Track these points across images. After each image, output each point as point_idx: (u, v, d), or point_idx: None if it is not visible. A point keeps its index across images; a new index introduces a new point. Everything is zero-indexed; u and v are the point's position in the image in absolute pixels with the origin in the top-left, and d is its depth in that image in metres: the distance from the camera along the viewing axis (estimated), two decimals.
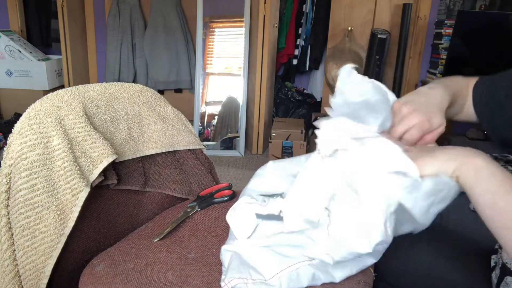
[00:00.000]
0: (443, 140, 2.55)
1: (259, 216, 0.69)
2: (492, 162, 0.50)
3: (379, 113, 0.63)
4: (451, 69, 2.53)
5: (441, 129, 0.62)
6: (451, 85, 0.70)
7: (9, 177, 0.68)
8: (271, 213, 0.67)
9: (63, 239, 0.72)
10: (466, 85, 0.75)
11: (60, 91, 0.79)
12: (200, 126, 2.92)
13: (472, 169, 0.50)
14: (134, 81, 3.27)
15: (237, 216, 0.72)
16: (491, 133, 0.72)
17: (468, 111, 0.74)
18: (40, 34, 3.38)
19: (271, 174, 0.77)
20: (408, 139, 0.60)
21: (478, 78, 0.74)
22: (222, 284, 0.66)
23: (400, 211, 0.55)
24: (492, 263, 0.71)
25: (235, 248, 0.69)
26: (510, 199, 0.46)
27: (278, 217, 0.65)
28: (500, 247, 0.71)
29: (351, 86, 0.64)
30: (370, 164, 0.55)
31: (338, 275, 0.66)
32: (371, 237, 0.54)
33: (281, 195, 0.71)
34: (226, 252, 0.70)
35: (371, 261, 0.65)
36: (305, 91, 3.32)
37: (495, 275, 0.68)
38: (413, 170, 0.52)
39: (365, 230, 0.55)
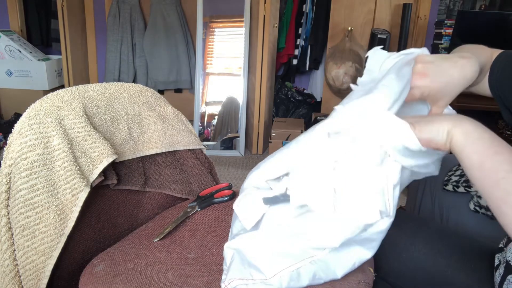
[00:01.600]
0: None
1: (266, 200, 0.67)
2: (481, 127, 0.52)
3: (401, 80, 0.60)
4: None
5: (443, 108, 0.63)
6: (480, 56, 0.67)
7: (9, 177, 0.68)
8: (277, 193, 0.66)
9: (63, 239, 0.72)
10: (490, 58, 0.72)
11: (60, 91, 0.79)
12: (200, 126, 2.92)
13: (462, 132, 0.52)
14: (134, 81, 3.27)
15: (244, 204, 0.70)
16: (504, 110, 0.70)
17: (485, 85, 0.73)
18: (40, 34, 3.38)
19: (272, 162, 0.76)
20: (406, 99, 0.60)
21: (501, 51, 0.71)
22: (222, 285, 0.66)
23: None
24: (496, 262, 0.71)
25: (238, 245, 0.69)
26: (496, 158, 0.49)
27: (285, 196, 0.64)
28: (506, 245, 0.71)
29: (378, 63, 0.64)
30: (372, 138, 0.56)
31: (340, 271, 0.66)
32: (374, 205, 0.55)
33: (286, 175, 0.69)
34: (229, 250, 0.70)
35: (368, 254, 0.65)
36: (305, 91, 3.32)
37: (498, 274, 0.68)
38: (416, 144, 0.53)
39: (368, 200, 0.55)
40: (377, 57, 0.65)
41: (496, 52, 0.72)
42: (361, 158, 0.56)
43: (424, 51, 0.63)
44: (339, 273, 0.66)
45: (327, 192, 0.58)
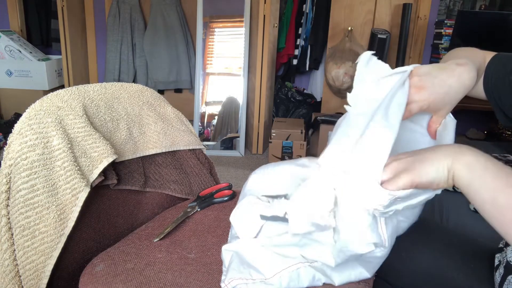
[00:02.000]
0: None
1: (263, 217, 0.67)
2: (482, 154, 0.49)
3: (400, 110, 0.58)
4: None
5: (443, 117, 0.61)
6: (475, 59, 0.66)
7: (9, 177, 0.68)
8: (276, 214, 0.65)
9: (63, 239, 0.72)
10: (484, 60, 0.71)
11: (60, 91, 0.79)
12: (200, 126, 2.92)
13: (464, 167, 0.48)
14: (134, 81, 3.27)
15: (241, 216, 0.70)
16: (499, 113, 0.69)
17: (479, 88, 0.71)
18: (40, 34, 3.38)
19: (273, 175, 0.76)
20: (404, 115, 0.57)
21: (494, 54, 0.70)
22: (222, 284, 0.66)
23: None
24: (496, 262, 0.71)
25: (236, 248, 0.69)
26: (509, 192, 0.45)
27: (283, 219, 0.64)
28: (506, 246, 0.71)
29: (370, 77, 0.59)
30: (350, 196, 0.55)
31: (337, 280, 0.67)
32: (365, 237, 0.54)
33: (285, 196, 0.69)
34: (227, 252, 0.70)
35: (366, 274, 0.66)
36: (305, 91, 3.32)
37: (498, 274, 0.68)
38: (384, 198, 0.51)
39: (359, 231, 0.55)
40: (369, 68, 0.61)
41: (489, 54, 0.72)
42: (352, 192, 0.55)
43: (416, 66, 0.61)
44: (336, 281, 0.67)
45: (327, 224, 0.57)
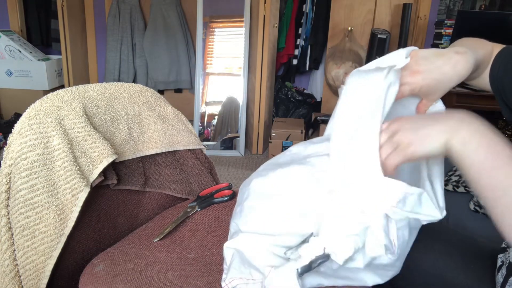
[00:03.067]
0: None
1: (303, 270, 0.59)
2: (479, 131, 0.49)
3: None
4: None
5: (432, 103, 0.62)
6: (478, 50, 0.66)
7: (9, 177, 0.68)
8: (313, 258, 0.58)
9: (63, 239, 0.72)
10: (491, 52, 0.70)
11: (60, 91, 0.79)
12: (200, 126, 2.92)
13: (458, 143, 0.49)
14: (134, 81, 3.27)
15: (279, 284, 0.61)
16: (504, 106, 0.68)
17: (485, 80, 0.71)
18: (40, 34, 3.38)
19: (259, 211, 0.69)
20: (397, 96, 0.57)
21: (503, 47, 0.70)
22: (223, 284, 0.66)
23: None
24: (499, 262, 0.71)
25: (237, 246, 0.69)
26: (494, 174, 0.46)
27: (323, 257, 0.58)
28: (509, 246, 0.71)
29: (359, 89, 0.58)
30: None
31: (341, 282, 0.66)
32: (377, 239, 0.54)
33: (309, 237, 0.62)
34: (228, 250, 0.70)
35: (378, 279, 0.65)
36: (305, 91, 3.32)
37: (501, 275, 0.68)
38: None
39: (372, 233, 0.55)
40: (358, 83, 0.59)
41: (497, 46, 0.71)
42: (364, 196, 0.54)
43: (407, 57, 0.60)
44: (341, 283, 0.66)
45: (357, 243, 0.55)
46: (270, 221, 0.69)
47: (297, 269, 0.58)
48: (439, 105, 0.63)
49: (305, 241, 0.61)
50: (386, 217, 0.54)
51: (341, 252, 0.55)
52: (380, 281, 0.65)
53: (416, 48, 0.61)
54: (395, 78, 0.56)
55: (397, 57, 0.58)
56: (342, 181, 0.56)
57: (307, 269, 0.58)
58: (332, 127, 0.59)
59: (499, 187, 0.45)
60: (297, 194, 0.66)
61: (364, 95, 0.56)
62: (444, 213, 0.54)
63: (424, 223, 0.55)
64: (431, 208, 0.53)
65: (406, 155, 0.51)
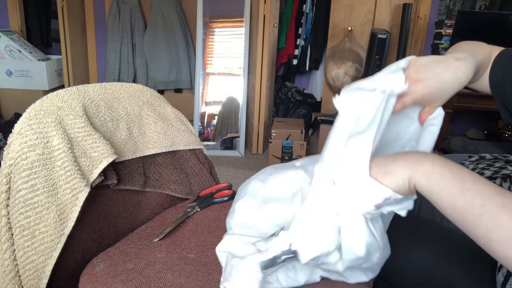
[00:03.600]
0: (443, 141, 2.55)
1: (265, 264, 0.57)
2: (441, 162, 0.49)
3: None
4: None
5: (435, 109, 0.61)
6: (477, 54, 0.65)
7: (9, 177, 0.68)
8: (278, 253, 0.57)
9: (63, 239, 0.72)
10: (489, 55, 0.70)
11: (60, 91, 0.79)
12: (200, 126, 2.92)
13: (422, 176, 0.49)
14: (134, 81, 3.27)
15: (238, 279, 0.60)
16: (503, 109, 0.68)
17: (484, 83, 0.71)
18: (40, 34, 3.38)
19: (251, 212, 0.71)
20: (396, 107, 0.57)
21: (502, 49, 0.70)
22: (222, 286, 0.66)
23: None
24: (499, 263, 0.71)
25: (228, 248, 0.69)
26: (466, 197, 0.46)
27: (288, 253, 0.57)
28: None
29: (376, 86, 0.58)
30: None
31: (334, 276, 0.66)
32: (362, 239, 0.54)
33: (280, 231, 0.61)
34: (221, 253, 0.71)
35: (364, 278, 0.66)
36: (305, 91, 3.32)
37: (502, 274, 0.68)
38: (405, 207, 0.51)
39: (357, 234, 0.55)
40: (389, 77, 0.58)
41: (495, 49, 0.71)
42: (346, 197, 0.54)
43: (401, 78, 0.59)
44: (334, 277, 0.67)
45: (334, 243, 0.55)
46: (258, 222, 0.69)
47: (260, 262, 0.57)
48: (439, 111, 0.63)
49: (274, 234, 0.60)
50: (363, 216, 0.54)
51: (306, 251, 0.54)
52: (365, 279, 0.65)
53: (414, 56, 0.60)
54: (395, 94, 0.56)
55: (395, 77, 0.57)
56: (326, 179, 0.56)
57: (270, 263, 0.57)
58: (329, 135, 0.59)
59: (475, 207, 0.45)
60: (287, 198, 0.67)
61: (362, 108, 0.56)
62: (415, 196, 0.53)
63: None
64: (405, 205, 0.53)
65: None
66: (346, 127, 0.56)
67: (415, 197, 0.53)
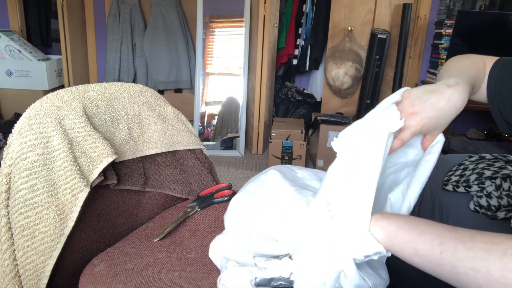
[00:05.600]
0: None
1: (260, 281, 0.58)
2: (395, 216, 0.51)
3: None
4: None
5: (435, 137, 0.62)
6: (469, 72, 0.65)
7: (9, 177, 0.68)
8: (276, 276, 0.58)
9: (63, 239, 0.72)
10: (483, 66, 0.70)
11: (60, 91, 0.79)
12: (200, 126, 2.92)
13: (381, 230, 0.51)
14: (134, 81, 3.27)
15: (231, 284, 0.61)
16: (500, 119, 0.68)
17: (482, 93, 0.71)
18: (40, 34, 3.38)
19: (245, 208, 0.70)
20: (394, 145, 0.59)
21: (497, 59, 0.70)
22: (219, 284, 0.66)
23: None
24: None
25: (222, 253, 0.70)
26: (424, 238, 0.47)
27: (286, 280, 0.58)
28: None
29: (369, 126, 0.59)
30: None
31: None
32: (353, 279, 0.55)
33: (283, 256, 0.62)
34: (216, 259, 0.72)
35: None
36: (305, 91, 3.32)
37: None
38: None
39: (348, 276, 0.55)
40: (383, 115, 0.59)
41: (489, 59, 0.71)
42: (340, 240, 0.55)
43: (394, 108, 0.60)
44: None
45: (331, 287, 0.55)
46: (251, 217, 0.69)
47: (256, 278, 0.58)
48: (439, 137, 0.64)
49: (278, 257, 0.61)
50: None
51: (304, 286, 0.55)
52: None
53: (408, 88, 0.61)
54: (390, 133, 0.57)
55: (390, 114, 0.58)
56: (325, 220, 0.56)
57: (265, 283, 0.58)
58: (327, 175, 0.60)
59: (434, 246, 0.46)
60: (279, 213, 0.66)
61: (362, 150, 0.57)
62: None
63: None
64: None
65: None
66: (345, 169, 0.57)
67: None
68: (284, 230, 0.62)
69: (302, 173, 0.79)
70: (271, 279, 0.58)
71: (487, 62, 0.71)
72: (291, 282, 0.57)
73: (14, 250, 0.69)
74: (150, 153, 0.96)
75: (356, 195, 0.54)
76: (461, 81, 0.60)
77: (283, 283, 0.58)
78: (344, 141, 0.59)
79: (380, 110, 0.59)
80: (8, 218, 0.68)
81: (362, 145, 0.56)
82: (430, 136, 0.63)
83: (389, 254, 0.52)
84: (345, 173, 0.57)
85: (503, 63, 0.69)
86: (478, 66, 0.69)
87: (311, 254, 0.56)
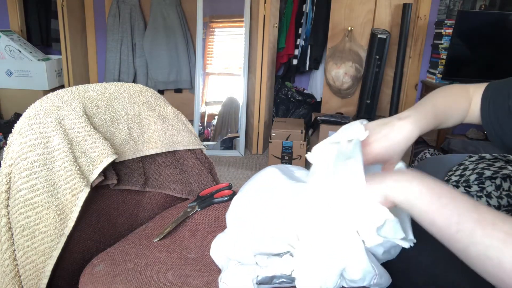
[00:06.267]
0: (443, 141, 2.55)
1: (262, 279, 0.59)
2: (418, 180, 0.51)
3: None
4: (451, 69, 2.54)
5: (394, 165, 0.66)
6: (438, 106, 0.70)
7: (9, 177, 0.68)
8: (278, 274, 0.59)
9: (63, 239, 0.72)
10: (465, 95, 0.73)
11: (60, 91, 0.79)
12: (200, 126, 2.92)
13: (401, 193, 0.51)
14: (134, 81, 3.27)
15: (233, 282, 0.62)
16: (497, 140, 0.70)
17: (473, 116, 0.74)
18: (40, 34, 3.38)
19: (246, 207, 0.70)
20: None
21: (487, 84, 0.73)
22: (220, 282, 0.66)
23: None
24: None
25: (222, 251, 0.70)
26: (444, 213, 0.48)
27: (287, 277, 0.58)
28: None
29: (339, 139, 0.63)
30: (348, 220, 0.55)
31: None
32: (361, 264, 0.55)
33: (285, 254, 0.63)
34: (217, 259, 0.72)
35: None
36: (305, 91, 3.32)
37: None
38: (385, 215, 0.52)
39: (355, 259, 0.56)
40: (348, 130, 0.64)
41: (475, 87, 0.73)
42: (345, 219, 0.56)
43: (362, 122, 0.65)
44: None
45: (333, 284, 0.56)
46: (252, 216, 0.70)
47: (257, 276, 0.59)
48: (401, 165, 0.67)
49: (279, 255, 0.62)
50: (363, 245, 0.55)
51: (305, 283, 0.56)
52: None
53: (365, 121, 0.66)
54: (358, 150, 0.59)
55: (355, 131, 0.62)
56: (324, 204, 0.57)
57: (267, 281, 0.59)
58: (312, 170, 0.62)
59: (452, 224, 0.46)
60: (278, 211, 0.67)
61: (339, 150, 0.60)
62: (412, 243, 0.56)
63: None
64: (401, 235, 0.55)
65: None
66: (324, 169, 0.60)
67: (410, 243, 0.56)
68: (284, 227, 0.62)
69: (300, 172, 0.79)
70: (273, 277, 0.59)
71: (473, 89, 0.74)
72: (293, 279, 0.58)
73: (14, 250, 0.69)
74: (150, 153, 0.96)
75: (346, 176, 0.55)
76: (414, 115, 0.65)
77: (284, 280, 0.58)
78: (319, 153, 0.63)
79: (345, 128, 0.64)
80: (8, 218, 0.68)
81: (338, 148, 0.60)
82: (388, 165, 0.66)
83: (397, 219, 0.52)
84: (328, 172, 0.59)
85: (494, 87, 0.72)
86: (452, 100, 0.73)
87: (313, 251, 0.57)
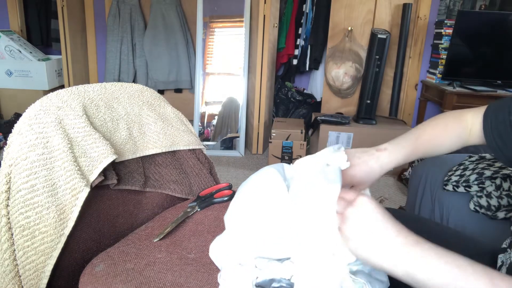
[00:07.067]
0: None
1: (261, 282, 0.59)
2: (419, 247, 0.49)
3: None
4: (451, 69, 2.54)
5: (362, 190, 0.68)
6: (420, 138, 0.72)
7: (9, 177, 0.68)
8: (277, 277, 0.59)
9: (63, 239, 0.72)
10: (456, 121, 0.75)
11: (60, 91, 0.79)
12: (200, 126, 2.92)
13: (399, 258, 0.48)
14: (134, 81, 3.27)
15: (231, 283, 0.62)
16: (501, 155, 0.70)
17: (476, 137, 0.75)
18: (40, 34, 3.38)
19: (243, 209, 0.70)
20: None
21: (487, 106, 0.74)
22: (220, 279, 0.66)
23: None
24: (499, 263, 0.71)
25: (221, 252, 0.70)
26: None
27: (287, 282, 0.58)
28: (509, 246, 0.71)
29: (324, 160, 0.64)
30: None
31: None
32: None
33: (285, 259, 0.62)
34: (215, 258, 0.72)
35: None
36: (305, 91, 3.32)
37: None
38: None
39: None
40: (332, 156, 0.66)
41: (474, 111, 0.75)
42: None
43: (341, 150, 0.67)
44: None
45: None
46: (250, 219, 0.69)
47: (256, 278, 0.59)
48: (367, 192, 0.69)
49: (280, 260, 0.62)
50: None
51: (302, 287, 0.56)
52: None
53: (343, 147, 0.69)
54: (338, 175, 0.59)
55: (338, 159, 0.64)
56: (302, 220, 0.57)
57: (266, 284, 0.59)
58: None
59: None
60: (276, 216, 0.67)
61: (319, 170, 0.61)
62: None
63: None
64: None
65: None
66: (302, 186, 0.61)
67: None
68: (284, 233, 0.62)
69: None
70: (272, 280, 0.58)
71: (472, 113, 0.75)
72: (292, 285, 0.57)
73: (14, 250, 0.69)
74: (150, 153, 0.96)
75: (319, 207, 0.55)
76: (391, 148, 0.70)
77: (284, 285, 0.58)
78: (299, 167, 0.66)
79: (329, 150, 0.66)
80: (8, 218, 0.68)
81: (321, 168, 0.61)
82: (357, 188, 0.69)
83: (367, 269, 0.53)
84: (306, 189, 0.59)
85: (494, 106, 0.73)
86: (445, 126, 0.75)
87: (312, 260, 0.57)
